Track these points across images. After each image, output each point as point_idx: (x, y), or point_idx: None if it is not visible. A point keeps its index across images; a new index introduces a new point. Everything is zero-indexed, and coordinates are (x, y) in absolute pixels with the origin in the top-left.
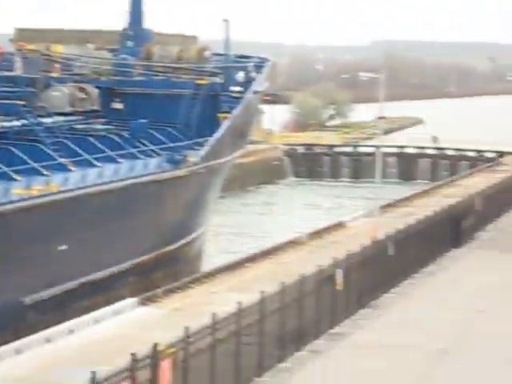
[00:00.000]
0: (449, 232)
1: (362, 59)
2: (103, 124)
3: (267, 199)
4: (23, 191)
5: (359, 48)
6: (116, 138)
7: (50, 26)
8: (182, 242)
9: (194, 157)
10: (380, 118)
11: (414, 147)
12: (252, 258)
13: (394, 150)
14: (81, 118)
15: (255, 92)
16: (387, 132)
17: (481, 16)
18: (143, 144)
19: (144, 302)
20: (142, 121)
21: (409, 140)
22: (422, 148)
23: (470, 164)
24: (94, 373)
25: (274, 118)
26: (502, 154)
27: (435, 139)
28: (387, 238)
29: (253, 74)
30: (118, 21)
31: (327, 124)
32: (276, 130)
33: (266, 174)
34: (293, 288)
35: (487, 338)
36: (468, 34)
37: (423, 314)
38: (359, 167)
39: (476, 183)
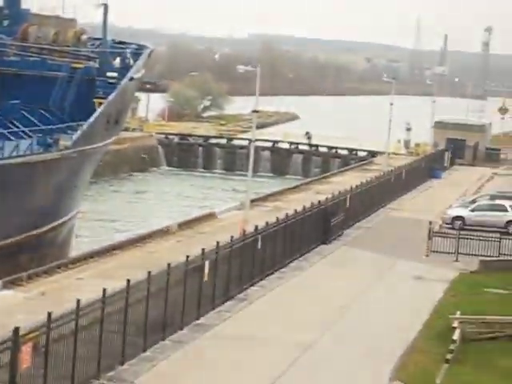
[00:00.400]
0: (318, 228)
1: (240, 52)
2: None
3: (139, 187)
4: None
5: (237, 41)
6: None
7: None
8: (50, 225)
9: (65, 140)
10: (254, 111)
11: (287, 142)
12: (120, 246)
13: (268, 144)
14: None
15: (131, 79)
16: (262, 126)
17: (361, 15)
18: (15, 125)
19: (7, 286)
20: (15, 102)
21: (283, 135)
22: (296, 144)
23: (342, 162)
24: None
25: (150, 106)
26: (374, 154)
27: (308, 135)
28: (256, 232)
29: (130, 61)
30: None
31: (203, 115)
32: (151, 118)
33: (140, 162)
34: (159, 277)
35: (348, 331)
36: (347, 33)
37: (287, 308)
38: (233, 160)
39: (347, 181)
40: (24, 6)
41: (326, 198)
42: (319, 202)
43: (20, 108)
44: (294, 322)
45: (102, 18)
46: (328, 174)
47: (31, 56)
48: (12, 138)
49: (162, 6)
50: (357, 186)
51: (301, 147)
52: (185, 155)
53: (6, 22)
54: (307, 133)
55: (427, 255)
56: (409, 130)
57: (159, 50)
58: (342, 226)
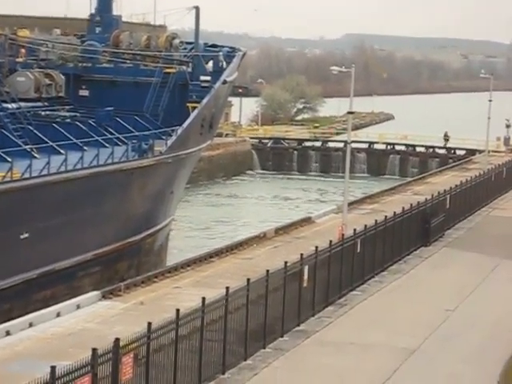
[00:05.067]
0: (418, 230)
1: (333, 53)
2: (69, 111)
3: (234, 192)
4: None
5: (328, 42)
6: (81, 126)
7: (13, 12)
8: (147, 233)
9: (160, 146)
10: (349, 112)
11: (383, 143)
12: (217, 253)
13: (364, 145)
14: (46, 104)
15: (225, 82)
16: (357, 127)
17: (454, 12)
18: (109, 132)
19: (106, 296)
20: (108, 108)
21: (379, 136)
22: (392, 144)
23: (440, 161)
24: (53, 367)
25: (243, 110)
26: (473, 152)
27: (447, 137)
28: (355, 235)
29: (223, 64)
30: (84, 8)
31: (296, 118)
32: (244, 123)
33: (234, 166)
34: (258, 284)
35: (453, 337)
36: (440, 29)
37: (389, 312)
38: (328, 162)
39: (446, 181)
40: (115, 12)
41: (426, 199)
42: (418, 203)
43: (114, 115)
44: (397, 326)
45: (194, 21)
46: (426, 174)
47: (124, 62)
48: (107, 145)
49: (252, 11)
50: (456, 186)
51: (398, 148)
52: (279, 159)
53: (97, 29)
54: (445, 134)
55: None
56: (509, 126)
57: (250, 54)
58: (443, 227)
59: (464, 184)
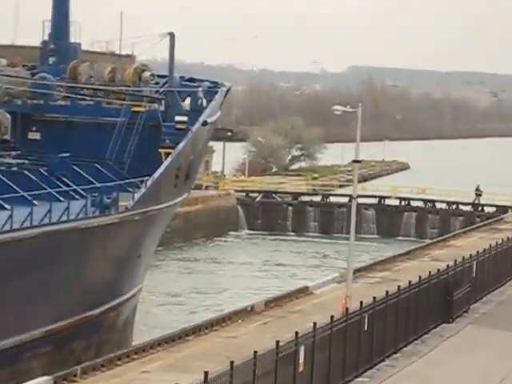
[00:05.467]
0: (438, 303)
1: (335, 89)
2: (15, 157)
3: (216, 256)
4: None
5: (331, 76)
6: (31, 175)
7: None
8: (110, 305)
9: (126, 200)
10: (355, 161)
11: (397, 198)
12: (195, 330)
13: (373, 200)
14: None
15: (205, 123)
16: (365, 179)
17: (480, 43)
18: (64, 183)
19: (59, 382)
20: (64, 155)
21: (391, 189)
22: (407, 199)
23: (465, 220)
24: None
25: (227, 158)
26: (505, 210)
27: (479, 192)
28: (362, 310)
29: (203, 102)
30: (35, 35)
31: (291, 167)
32: (228, 172)
33: (216, 225)
34: (244, 368)
35: None
36: (464, 62)
37: None
38: (330, 220)
39: (472, 244)
40: (72, 39)
41: (447, 266)
42: (438, 270)
43: (70, 162)
44: None
45: (169, 51)
46: (448, 235)
47: (83, 99)
48: (61, 198)
49: (240, 39)
50: (485, 251)
51: (414, 203)
52: (270, 216)
53: (51, 59)
54: (477, 188)
55: None
56: None
57: (236, 90)
58: (468, 301)
59: (494, 248)
